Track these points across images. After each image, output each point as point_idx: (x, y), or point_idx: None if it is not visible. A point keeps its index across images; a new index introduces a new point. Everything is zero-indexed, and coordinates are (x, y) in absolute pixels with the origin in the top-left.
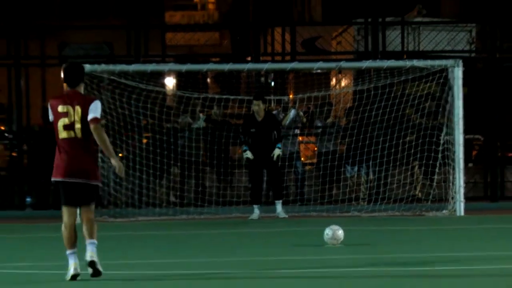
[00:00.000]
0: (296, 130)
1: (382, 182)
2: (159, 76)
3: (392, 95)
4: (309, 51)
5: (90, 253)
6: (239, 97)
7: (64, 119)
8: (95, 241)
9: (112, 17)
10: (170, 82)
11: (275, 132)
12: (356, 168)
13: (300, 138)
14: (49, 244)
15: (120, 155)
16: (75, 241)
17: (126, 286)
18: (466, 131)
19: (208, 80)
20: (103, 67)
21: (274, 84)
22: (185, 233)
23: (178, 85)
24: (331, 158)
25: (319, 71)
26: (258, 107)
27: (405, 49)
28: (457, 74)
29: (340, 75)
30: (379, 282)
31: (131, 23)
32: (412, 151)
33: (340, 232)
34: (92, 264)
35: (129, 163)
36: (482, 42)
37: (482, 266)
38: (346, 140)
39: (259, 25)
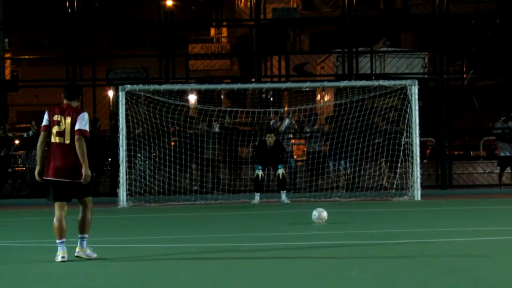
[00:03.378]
0: (290, 135)
1: (357, 174)
2: (183, 94)
3: (364, 107)
4: (299, 74)
5: (80, 250)
6: (245, 109)
7: (57, 127)
8: (85, 235)
9: (148, 48)
10: (192, 98)
11: (280, 155)
12: (336, 164)
13: (293, 141)
14: (98, 224)
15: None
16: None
17: (158, 258)
18: (421, 135)
19: (222, 96)
20: (140, 87)
21: (273, 99)
22: (204, 215)
23: (198, 100)
24: (317, 156)
25: (307, 89)
26: (271, 139)
27: (374, 71)
28: (414, 91)
29: (323, 92)
30: (353, 251)
31: (162, 52)
32: (380, 150)
33: (325, 214)
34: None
35: (161, 160)
36: (433, 66)
37: (435, 239)
38: (329, 142)
39: (261, 54)
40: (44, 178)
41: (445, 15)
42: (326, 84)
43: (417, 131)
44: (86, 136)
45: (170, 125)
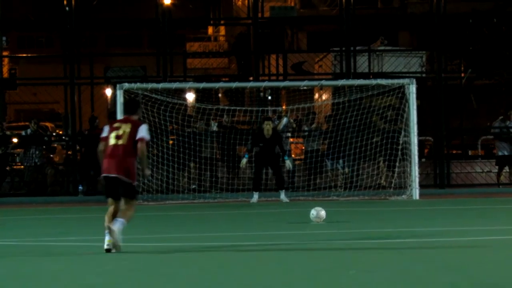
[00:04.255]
0: (288, 134)
1: (355, 173)
2: (181, 92)
3: (362, 106)
4: (297, 73)
5: (113, 224)
6: (243, 108)
7: (115, 132)
8: (121, 220)
9: (146, 46)
10: (190, 96)
11: (277, 146)
12: (335, 163)
13: (291, 140)
14: (96, 223)
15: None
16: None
17: (156, 256)
18: (419, 134)
19: (220, 95)
20: (138, 85)
21: (271, 98)
22: (202, 214)
23: (196, 99)
24: (315, 155)
25: (305, 88)
26: (269, 126)
27: (371, 70)
28: (412, 90)
29: (321, 91)
30: (351, 250)
31: (160, 51)
32: (378, 149)
33: (323, 212)
34: (109, 229)
35: (159, 159)
36: (431, 65)
37: (433, 238)
38: (327, 140)
39: (258, 53)
40: (102, 175)
41: (443, 14)
42: (324, 82)
43: (415, 130)
44: (147, 143)
45: (168, 124)
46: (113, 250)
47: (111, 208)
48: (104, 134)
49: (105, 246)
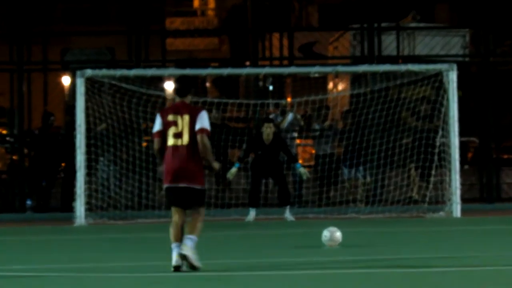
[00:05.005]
0: (294, 134)
1: (379, 184)
2: (159, 81)
3: (388, 98)
4: (306, 56)
5: (184, 247)
6: (237, 101)
7: (174, 128)
8: (192, 236)
9: (114, 23)
10: (170, 86)
11: (283, 153)
12: (353, 171)
13: (298, 141)
14: (48, 247)
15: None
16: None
17: None
18: (461, 134)
19: (207, 84)
20: (104, 72)
21: (272, 88)
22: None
23: None
24: (328, 161)
25: (316, 75)
26: (270, 129)
27: (401, 53)
28: (452, 78)
29: (337, 79)
30: (378, 284)
31: (132, 28)
32: (409, 153)
33: (338, 234)
34: (183, 257)
35: (129, 165)
36: (476, 47)
37: (481, 267)
38: (343, 143)
39: (257, 31)
40: (165, 185)
41: None
42: (340, 69)
43: (456, 129)
44: (208, 136)
45: (141, 121)
46: (184, 267)
47: (176, 218)
48: (157, 128)
49: (174, 263)
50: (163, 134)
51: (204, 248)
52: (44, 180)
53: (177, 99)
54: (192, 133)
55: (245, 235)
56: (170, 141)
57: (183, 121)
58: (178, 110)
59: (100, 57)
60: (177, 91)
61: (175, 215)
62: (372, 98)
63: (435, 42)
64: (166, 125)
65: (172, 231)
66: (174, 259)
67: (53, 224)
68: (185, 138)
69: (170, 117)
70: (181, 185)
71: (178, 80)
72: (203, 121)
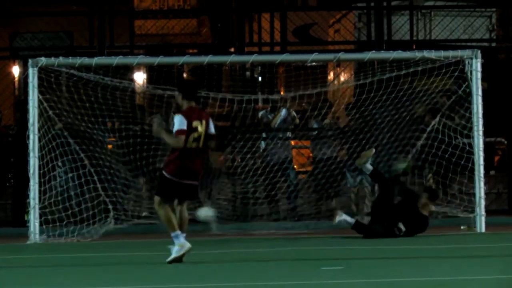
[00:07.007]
0: (287, 133)
1: None
2: (126, 70)
3: (400, 92)
4: (302, 41)
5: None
6: (220, 95)
7: (195, 133)
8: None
9: (72, 3)
10: (139, 77)
11: None
12: (358, 177)
13: (293, 143)
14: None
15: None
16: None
17: None
18: (486, 133)
19: (185, 74)
20: (61, 60)
21: (262, 79)
22: (156, 255)
23: (149, 80)
24: (329, 165)
25: (314, 64)
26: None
27: (414, 38)
28: (475, 67)
29: (338, 69)
30: None
31: (93, 9)
32: (424, 156)
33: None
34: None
35: (91, 171)
36: (504, 30)
37: None
38: (347, 144)
39: (244, 11)
40: (172, 178)
41: None
42: (342, 56)
43: (480, 127)
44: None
45: (106, 119)
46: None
47: (169, 210)
48: (182, 127)
49: (189, 245)
50: (186, 134)
51: (185, 270)
52: None
53: (193, 104)
54: (205, 137)
55: (227, 254)
56: (190, 145)
57: (202, 127)
58: (200, 116)
59: (56, 43)
60: (190, 96)
61: (168, 208)
62: (379, 88)
63: (455, 24)
64: (190, 130)
65: (174, 223)
66: (187, 244)
67: (3, 241)
68: (201, 142)
69: (195, 123)
70: (195, 183)
71: (189, 85)
72: (212, 126)
